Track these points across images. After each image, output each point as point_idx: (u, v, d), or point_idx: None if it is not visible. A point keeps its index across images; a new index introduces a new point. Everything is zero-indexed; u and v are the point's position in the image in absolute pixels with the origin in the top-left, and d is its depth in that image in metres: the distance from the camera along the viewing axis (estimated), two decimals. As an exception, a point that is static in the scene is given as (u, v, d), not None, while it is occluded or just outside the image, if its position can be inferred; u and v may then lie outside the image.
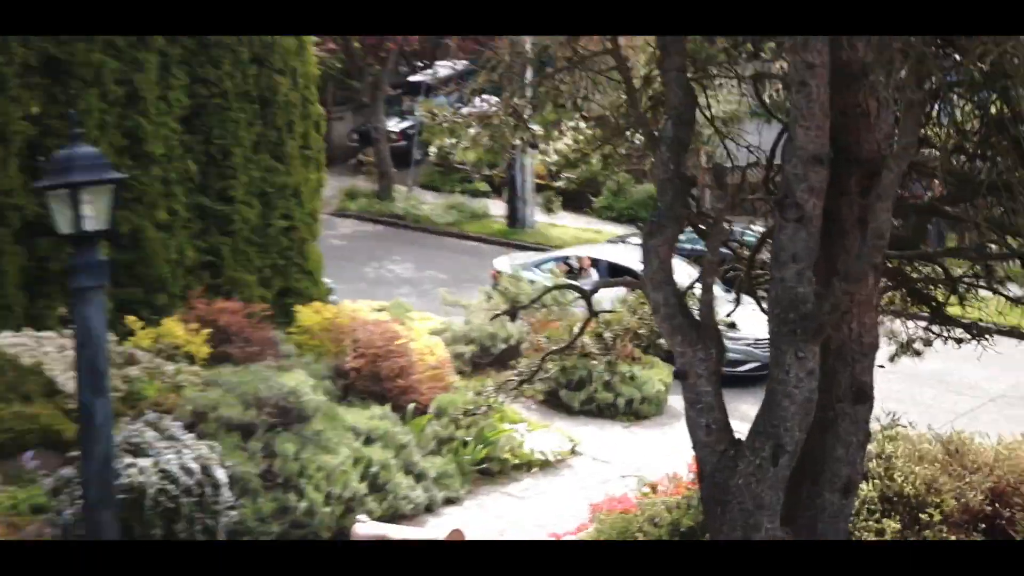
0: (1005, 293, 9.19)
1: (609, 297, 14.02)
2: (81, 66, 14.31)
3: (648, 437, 16.14)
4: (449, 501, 13.59)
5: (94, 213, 7.38)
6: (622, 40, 8.86)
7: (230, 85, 16.03)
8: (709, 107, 9.34)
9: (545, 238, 27.03)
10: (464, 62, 34.80)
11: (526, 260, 21.19)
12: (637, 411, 16.77)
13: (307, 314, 15.67)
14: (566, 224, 27.74)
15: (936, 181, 10.11)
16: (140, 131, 14.94)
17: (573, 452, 15.26)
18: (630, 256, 19.78)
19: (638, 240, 26.00)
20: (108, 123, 14.64)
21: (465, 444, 14.04)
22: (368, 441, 13.20)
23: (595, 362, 13.62)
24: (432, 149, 11.59)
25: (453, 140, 10.64)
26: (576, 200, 27.65)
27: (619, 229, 27.14)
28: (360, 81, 29.99)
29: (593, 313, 9.65)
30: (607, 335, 10.24)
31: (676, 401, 17.05)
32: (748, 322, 11.71)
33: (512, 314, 10.55)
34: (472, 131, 10.39)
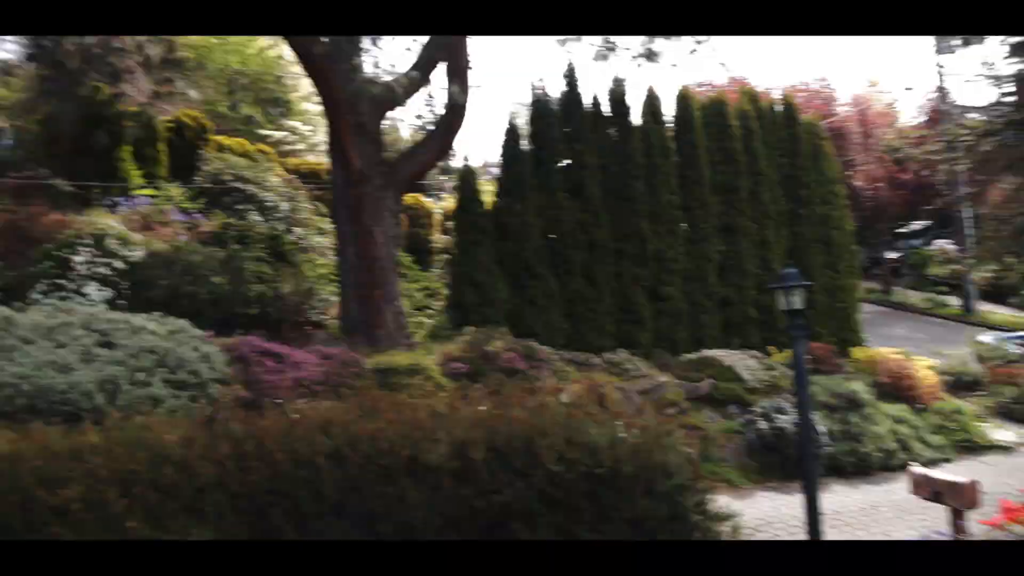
0: None
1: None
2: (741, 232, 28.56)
3: None
4: (932, 462, 19.60)
5: (798, 301, 14.67)
6: None
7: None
8: None
9: (985, 319, 40.84)
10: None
11: (1000, 336, 30.82)
12: None
13: (857, 353, 25.89)
14: (997, 311, 42.95)
15: None
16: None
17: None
18: None
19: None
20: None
21: (951, 429, 22.32)
22: (896, 421, 21.05)
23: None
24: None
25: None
26: (993, 295, 44.77)
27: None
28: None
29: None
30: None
31: None
32: None
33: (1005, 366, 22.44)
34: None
